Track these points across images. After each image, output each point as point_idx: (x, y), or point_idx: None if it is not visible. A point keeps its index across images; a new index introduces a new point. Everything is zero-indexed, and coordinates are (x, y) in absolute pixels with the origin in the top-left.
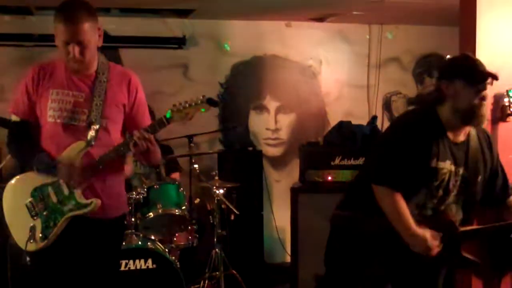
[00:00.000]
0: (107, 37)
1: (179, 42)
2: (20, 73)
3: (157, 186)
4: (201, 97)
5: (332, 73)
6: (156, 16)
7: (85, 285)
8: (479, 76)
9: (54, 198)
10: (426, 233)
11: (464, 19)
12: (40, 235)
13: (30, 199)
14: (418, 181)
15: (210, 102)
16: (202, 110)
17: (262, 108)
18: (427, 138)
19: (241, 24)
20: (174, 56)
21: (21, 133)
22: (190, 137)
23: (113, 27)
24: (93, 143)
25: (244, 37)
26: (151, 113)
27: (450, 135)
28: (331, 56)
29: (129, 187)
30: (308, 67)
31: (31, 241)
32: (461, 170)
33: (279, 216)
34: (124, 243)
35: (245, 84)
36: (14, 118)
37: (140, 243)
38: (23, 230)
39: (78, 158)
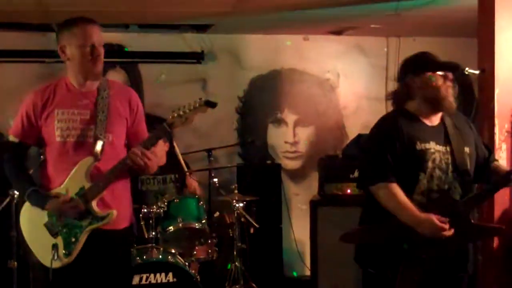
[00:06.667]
0: (126, 52)
1: (197, 57)
2: None
3: (177, 200)
4: (199, 100)
5: (350, 86)
6: (175, 32)
7: None
8: (442, 65)
9: None
10: (431, 216)
11: (483, 31)
12: (64, 251)
13: (47, 219)
14: (411, 167)
15: (208, 103)
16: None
17: (280, 122)
18: (398, 124)
19: (258, 38)
20: (192, 71)
21: (17, 155)
22: (209, 151)
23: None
24: (99, 157)
25: (261, 51)
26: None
27: (426, 121)
28: (348, 69)
29: (143, 203)
30: (325, 80)
31: (55, 258)
32: (448, 148)
33: (298, 229)
34: (144, 257)
35: (263, 97)
36: (12, 138)
37: (160, 256)
38: (45, 249)
39: (87, 175)
